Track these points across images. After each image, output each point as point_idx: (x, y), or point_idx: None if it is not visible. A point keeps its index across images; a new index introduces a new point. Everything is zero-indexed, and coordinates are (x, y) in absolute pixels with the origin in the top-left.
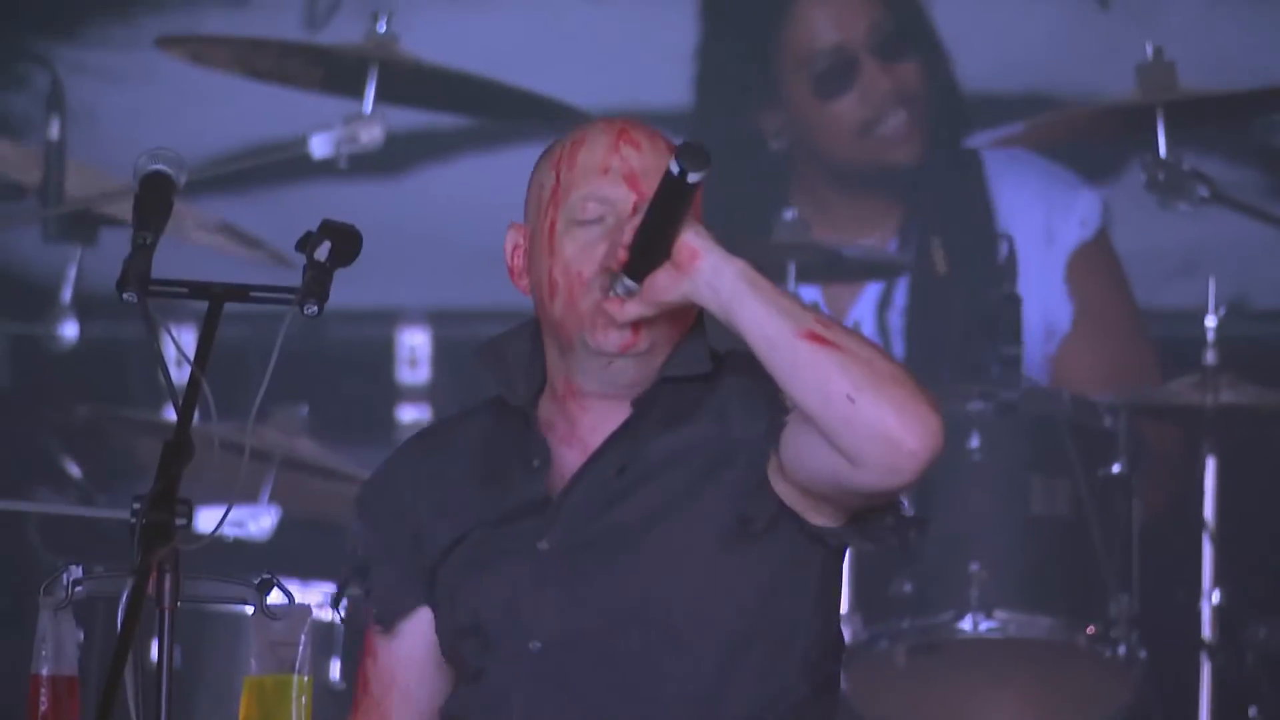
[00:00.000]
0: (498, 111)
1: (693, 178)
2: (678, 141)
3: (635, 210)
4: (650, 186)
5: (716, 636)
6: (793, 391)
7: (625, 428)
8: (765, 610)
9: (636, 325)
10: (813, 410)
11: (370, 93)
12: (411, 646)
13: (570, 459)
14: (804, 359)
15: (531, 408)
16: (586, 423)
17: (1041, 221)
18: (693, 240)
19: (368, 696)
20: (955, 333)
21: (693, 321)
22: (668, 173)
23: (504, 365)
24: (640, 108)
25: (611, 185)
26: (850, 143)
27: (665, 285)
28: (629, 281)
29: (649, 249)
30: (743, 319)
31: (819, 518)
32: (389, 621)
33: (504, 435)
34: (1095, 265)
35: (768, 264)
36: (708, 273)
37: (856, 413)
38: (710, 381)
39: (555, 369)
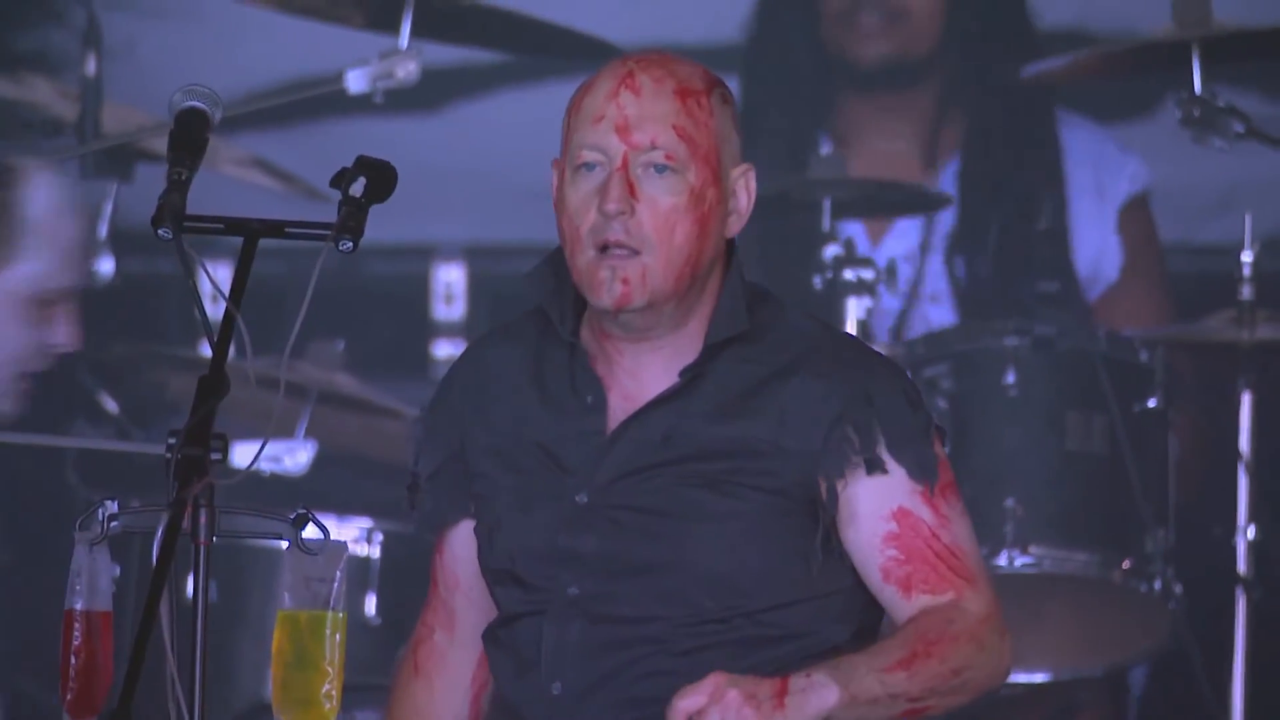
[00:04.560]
0: (533, 47)
1: None
2: (711, 74)
3: (625, 162)
4: (645, 135)
5: (752, 599)
6: None
7: (673, 396)
8: (805, 577)
9: (627, 280)
10: None
11: (406, 28)
12: (471, 550)
13: (614, 403)
14: None
15: (576, 338)
16: (625, 365)
17: (1091, 175)
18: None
19: (436, 593)
20: (995, 267)
21: (699, 271)
22: None
23: (553, 290)
24: (679, 43)
25: (603, 135)
26: (833, 29)
27: None
28: None
29: None
30: None
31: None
32: (437, 529)
33: (554, 354)
34: (1142, 219)
35: (804, 200)
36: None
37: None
38: (778, 371)
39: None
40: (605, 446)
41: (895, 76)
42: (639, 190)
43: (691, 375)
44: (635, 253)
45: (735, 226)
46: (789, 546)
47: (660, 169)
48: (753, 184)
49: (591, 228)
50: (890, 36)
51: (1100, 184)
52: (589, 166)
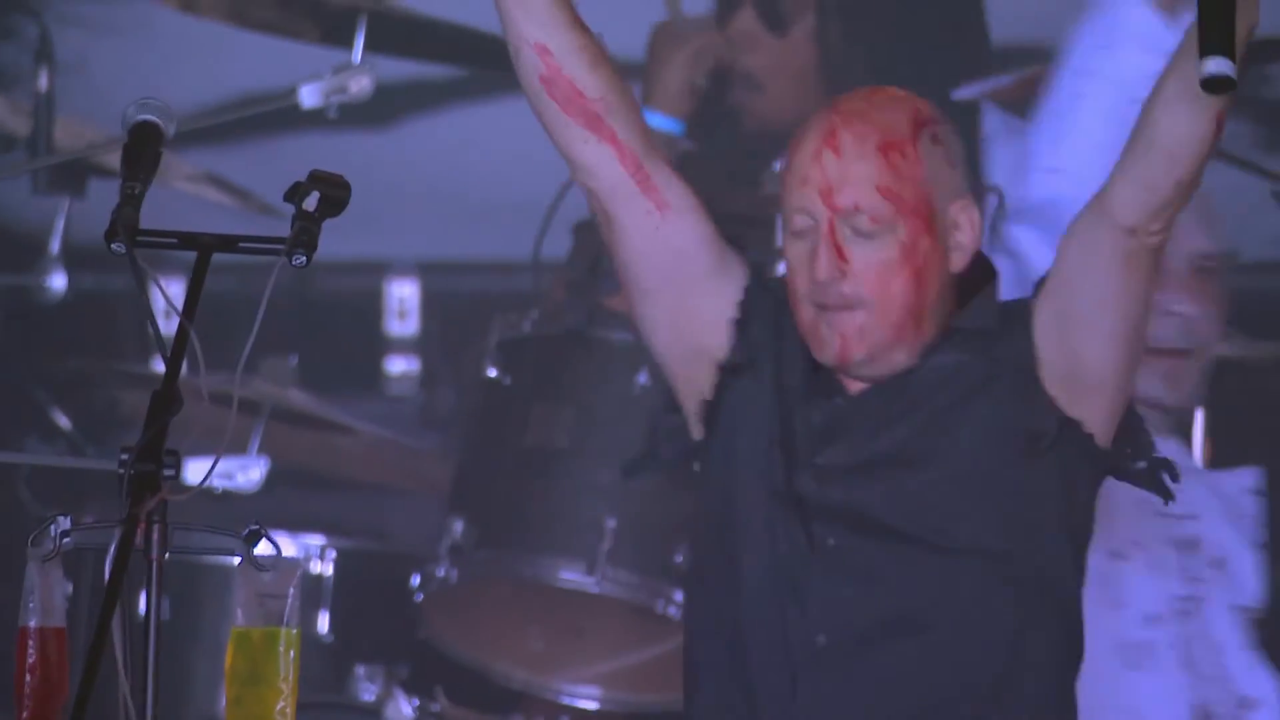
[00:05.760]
0: (487, 62)
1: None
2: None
3: (832, 226)
4: (848, 198)
5: (993, 552)
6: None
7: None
8: (1052, 519)
9: (845, 336)
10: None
11: (359, 43)
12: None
13: None
14: None
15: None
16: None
17: None
18: None
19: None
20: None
21: (920, 318)
22: None
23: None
24: (635, 59)
25: (809, 198)
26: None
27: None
28: (1224, 66)
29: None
30: None
31: (1096, 431)
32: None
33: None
34: None
35: (757, 216)
36: None
37: None
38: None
39: None
40: (840, 414)
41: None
42: (848, 252)
43: (928, 353)
44: (853, 308)
45: (959, 261)
46: (1029, 491)
47: (867, 234)
48: (976, 216)
49: (808, 290)
50: (751, 111)
51: None
52: (800, 230)
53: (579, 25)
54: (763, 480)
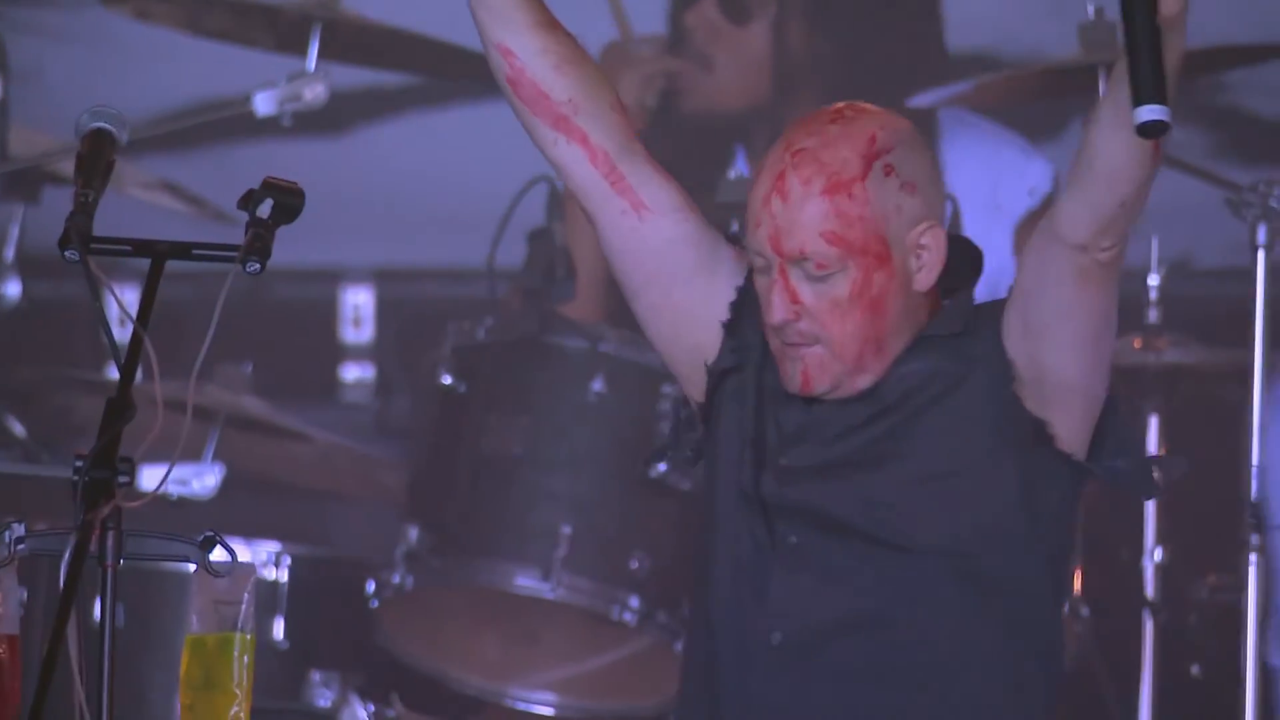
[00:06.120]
0: (442, 70)
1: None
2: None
3: (783, 270)
4: (794, 245)
5: (953, 552)
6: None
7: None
8: (1017, 522)
9: (806, 370)
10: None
11: (314, 50)
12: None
13: None
14: None
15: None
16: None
17: (988, 190)
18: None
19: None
20: None
21: (882, 342)
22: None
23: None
24: None
25: (761, 242)
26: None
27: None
28: (1157, 113)
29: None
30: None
31: (1065, 434)
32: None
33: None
34: None
35: (713, 223)
36: None
37: None
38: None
39: None
40: (806, 417)
41: (719, 130)
42: (800, 294)
43: (899, 362)
44: (811, 344)
45: (926, 280)
46: (999, 488)
47: (817, 277)
48: (940, 235)
49: (771, 326)
50: (696, 93)
51: (997, 198)
52: (760, 268)
53: (545, 26)
54: (734, 479)
